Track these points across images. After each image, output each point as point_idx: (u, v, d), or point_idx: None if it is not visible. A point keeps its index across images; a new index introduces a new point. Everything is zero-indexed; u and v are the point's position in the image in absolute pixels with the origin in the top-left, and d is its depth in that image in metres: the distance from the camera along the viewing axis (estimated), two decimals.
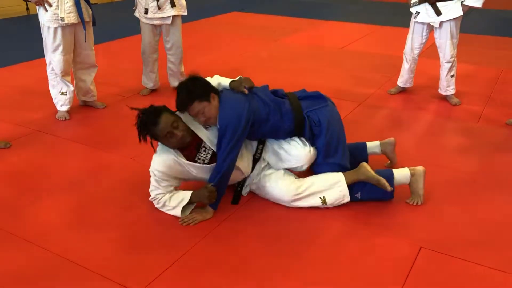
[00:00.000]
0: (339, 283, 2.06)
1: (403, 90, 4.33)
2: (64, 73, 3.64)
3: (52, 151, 3.25)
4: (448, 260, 2.20)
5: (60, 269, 2.13)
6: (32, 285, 2.05)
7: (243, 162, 2.56)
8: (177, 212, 2.46)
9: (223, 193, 2.51)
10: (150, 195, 2.52)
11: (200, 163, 2.48)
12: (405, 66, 4.19)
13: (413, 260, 2.19)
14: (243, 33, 6.71)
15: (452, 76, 4.01)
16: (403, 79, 4.25)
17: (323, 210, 2.55)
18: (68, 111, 3.77)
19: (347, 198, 2.52)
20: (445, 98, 4.13)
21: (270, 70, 4.98)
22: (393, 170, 2.60)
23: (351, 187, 2.54)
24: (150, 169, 2.49)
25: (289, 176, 2.59)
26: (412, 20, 3.99)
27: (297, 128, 2.58)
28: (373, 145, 2.89)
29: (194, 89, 2.42)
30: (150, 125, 2.36)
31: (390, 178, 2.53)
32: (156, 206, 2.51)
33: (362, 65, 5.19)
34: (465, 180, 2.88)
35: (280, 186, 2.54)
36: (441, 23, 3.83)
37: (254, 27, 7.09)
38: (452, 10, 3.76)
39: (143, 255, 2.23)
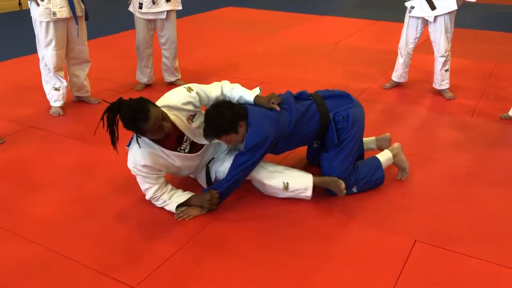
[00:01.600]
0: (334, 277, 2.07)
1: (397, 85, 4.33)
2: (57, 69, 3.61)
3: (45, 147, 3.23)
4: (443, 253, 2.21)
5: (55, 265, 2.12)
6: (25, 281, 2.04)
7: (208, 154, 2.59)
8: (171, 207, 2.45)
9: (224, 198, 2.50)
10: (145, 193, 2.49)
11: (181, 153, 2.45)
12: (400, 61, 4.19)
13: (408, 253, 2.20)
14: (238, 28, 6.69)
15: (446, 70, 4.02)
16: (398, 74, 4.25)
17: (317, 204, 2.55)
18: (61, 107, 3.75)
19: (309, 192, 2.51)
20: (439, 93, 4.14)
21: (264, 66, 4.97)
22: (378, 156, 2.69)
23: (348, 181, 2.57)
24: (131, 167, 2.37)
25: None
26: (407, 14, 4.00)
27: (322, 129, 2.55)
28: (369, 141, 2.92)
29: (221, 125, 2.32)
30: (141, 121, 2.19)
31: (378, 166, 2.65)
32: (155, 203, 2.50)
33: (357, 60, 5.19)
34: (459, 174, 2.89)
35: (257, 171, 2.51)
36: (435, 17, 3.83)
37: (249, 22, 7.07)
38: (446, 5, 3.76)
39: (138, 250, 2.23)
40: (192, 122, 2.44)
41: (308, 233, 2.35)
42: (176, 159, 2.43)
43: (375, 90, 4.29)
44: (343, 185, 2.46)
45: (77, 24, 3.55)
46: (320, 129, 2.56)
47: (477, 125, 3.58)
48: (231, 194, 2.54)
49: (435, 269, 2.11)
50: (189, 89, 2.42)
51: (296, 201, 2.58)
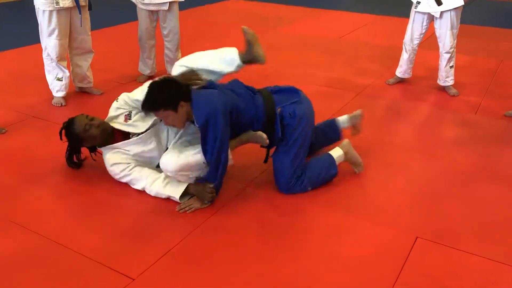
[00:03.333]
0: (334, 273, 2.06)
1: (401, 81, 4.31)
2: (60, 58, 3.60)
3: (47, 137, 3.22)
4: (444, 250, 2.20)
5: (54, 255, 2.12)
6: (24, 270, 2.04)
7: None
8: (176, 194, 2.45)
9: (220, 186, 2.49)
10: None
11: (130, 139, 2.62)
12: (404, 56, 4.16)
13: (409, 250, 2.19)
14: (242, 21, 6.65)
15: (451, 66, 4.00)
16: (402, 70, 4.23)
17: (318, 199, 2.54)
18: (64, 97, 3.74)
19: (230, 162, 2.50)
20: (443, 89, 4.12)
21: (268, 59, 4.91)
22: (330, 153, 2.68)
23: (302, 180, 2.55)
24: (113, 172, 2.59)
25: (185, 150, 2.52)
26: (413, 9, 3.97)
27: (268, 122, 2.51)
28: (343, 120, 2.93)
29: (160, 98, 2.30)
30: (69, 127, 2.59)
31: (332, 163, 2.64)
32: (151, 194, 2.51)
33: (361, 55, 5.16)
34: (462, 171, 2.88)
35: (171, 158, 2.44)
36: (441, 13, 3.80)
37: (253, 16, 7.03)
38: (453, 0, 3.73)
39: (138, 241, 2.22)
40: (130, 119, 2.66)
41: (309, 228, 2.35)
42: (128, 147, 2.59)
43: (379, 85, 4.27)
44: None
45: (80, 13, 3.53)
46: (266, 120, 2.50)
47: (481, 122, 3.56)
48: (233, 189, 2.53)
49: (436, 266, 2.10)
50: (116, 100, 2.73)
51: (297, 196, 2.57)
